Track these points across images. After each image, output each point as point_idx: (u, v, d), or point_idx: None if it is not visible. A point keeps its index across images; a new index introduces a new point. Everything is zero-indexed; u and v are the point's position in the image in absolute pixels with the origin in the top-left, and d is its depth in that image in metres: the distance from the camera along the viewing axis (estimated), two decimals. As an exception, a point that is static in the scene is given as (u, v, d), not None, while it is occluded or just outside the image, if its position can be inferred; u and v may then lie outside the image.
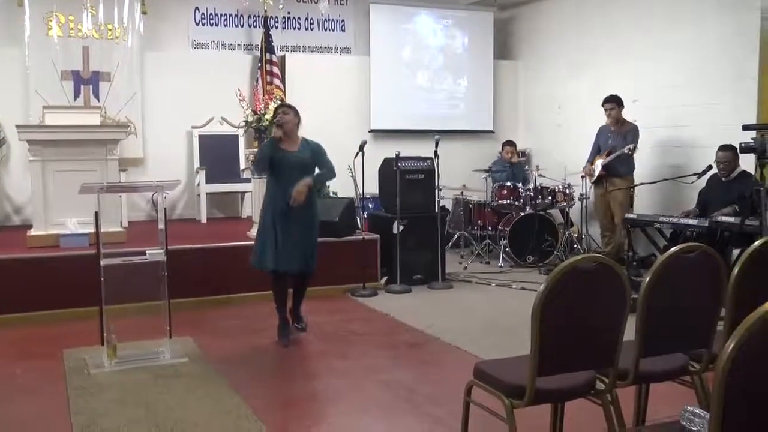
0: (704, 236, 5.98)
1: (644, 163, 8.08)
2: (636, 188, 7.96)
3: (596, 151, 8.17)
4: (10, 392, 4.40)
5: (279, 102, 5.72)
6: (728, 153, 6.75)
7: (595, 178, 8.04)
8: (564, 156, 9.27)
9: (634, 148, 7.60)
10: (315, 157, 5.42)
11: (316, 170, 5.45)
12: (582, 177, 8.21)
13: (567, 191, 8.58)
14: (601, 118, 8.17)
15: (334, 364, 4.97)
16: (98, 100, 8.64)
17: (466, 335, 5.52)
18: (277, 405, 4.22)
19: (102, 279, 4.74)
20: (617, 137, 7.90)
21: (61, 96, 8.41)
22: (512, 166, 9.48)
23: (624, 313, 2.85)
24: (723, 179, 6.85)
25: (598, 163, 7.98)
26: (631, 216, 6.93)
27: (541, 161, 9.52)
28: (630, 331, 2.91)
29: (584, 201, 8.44)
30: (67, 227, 6.54)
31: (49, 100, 8.15)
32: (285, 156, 5.31)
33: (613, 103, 7.91)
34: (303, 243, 5.33)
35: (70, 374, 4.65)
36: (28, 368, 4.83)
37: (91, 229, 5.57)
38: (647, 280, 2.90)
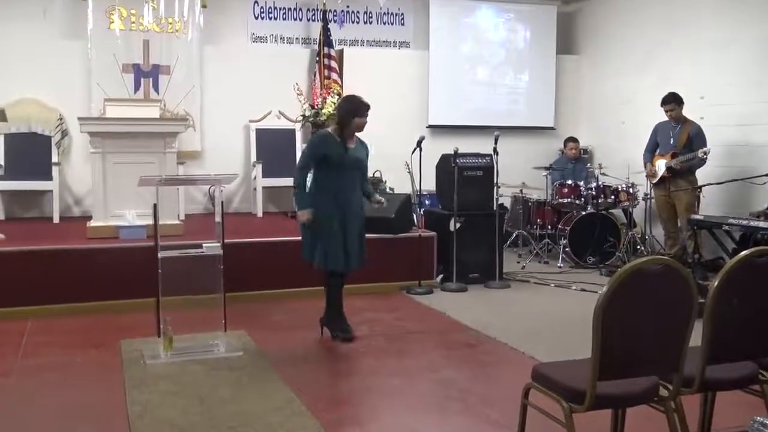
0: (776, 239, 5.80)
1: (710, 162, 7.83)
2: (702, 189, 7.73)
3: (652, 149, 7.96)
4: (69, 380, 4.53)
5: (355, 95, 5.52)
6: None
7: (657, 179, 7.84)
8: (628, 154, 9.09)
9: (708, 151, 7.36)
10: (366, 160, 5.47)
11: None
12: (647, 176, 8.03)
13: (630, 190, 8.43)
14: (664, 115, 7.98)
15: (387, 361, 4.98)
16: (158, 93, 8.81)
17: (523, 336, 5.47)
18: (330, 401, 4.24)
19: (159, 271, 4.84)
20: (679, 137, 7.68)
21: (122, 89, 8.61)
22: (574, 163, 9.36)
23: (690, 317, 2.78)
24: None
25: (661, 164, 7.78)
26: (697, 217, 6.76)
27: (604, 159, 9.35)
28: (696, 336, 2.84)
29: (648, 201, 8.28)
30: (126, 219, 6.69)
31: (110, 92, 8.36)
32: (343, 154, 5.25)
33: (673, 103, 7.64)
34: (360, 239, 5.36)
35: (127, 364, 4.75)
36: (86, 357, 4.96)
37: (149, 221, 5.69)
38: (715, 284, 2.83)
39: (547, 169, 9.00)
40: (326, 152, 5.23)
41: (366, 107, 5.33)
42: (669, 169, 7.67)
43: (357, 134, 5.42)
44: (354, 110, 5.29)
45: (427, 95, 10.06)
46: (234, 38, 9.50)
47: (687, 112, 7.77)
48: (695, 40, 8.61)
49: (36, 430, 3.79)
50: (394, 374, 4.70)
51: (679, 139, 7.68)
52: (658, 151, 7.91)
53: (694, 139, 7.58)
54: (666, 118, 7.81)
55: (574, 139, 9.62)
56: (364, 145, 5.47)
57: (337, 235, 5.20)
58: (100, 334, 5.51)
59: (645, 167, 8.00)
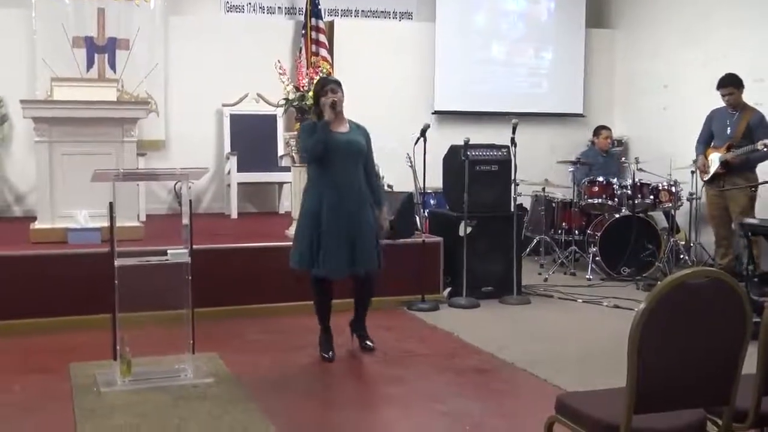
0: None
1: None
2: (759, 188, 7.70)
3: (707, 140, 7.97)
4: (8, 412, 4.50)
5: (324, 75, 5.68)
6: None
7: (710, 175, 7.84)
8: (670, 146, 9.12)
9: None
10: (367, 146, 5.51)
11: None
12: (692, 172, 8.05)
13: (673, 189, 8.44)
14: (716, 100, 7.99)
15: (385, 390, 4.99)
16: (114, 72, 8.83)
17: (545, 361, 5.48)
18: (318, 437, 4.25)
19: (116, 282, 4.83)
20: (737, 126, 7.68)
21: (72, 66, 8.63)
22: (606, 157, 9.38)
23: (743, 340, 2.79)
24: None
25: (715, 158, 7.77)
26: (751, 221, 6.77)
27: (642, 152, 9.39)
28: (750, 362, 2.85)
29: (694, 201, 8.29)
30: (77, 220, 6.69)
31: (58, 70, 8.37)
32: (335, 139, 5.31)
33: (731, 87, 7.62)
34: (360, 239, 5.32)
35: (77, 393, 4.75)
36: (29, 384, 4.95)
37: (104, 223, 5.69)
38: (773, 300, 2.85)
39: (573, 163, 9.01)
40: (325, 137, 5.29)
41: (327, 83, 5.48)
42: (723, 163, 7.66)
43: (354, 119, 5.51)
44: (317, 91, 5.48)
45: (432, 76, 10.08)
46: (205, 7, 9.52)
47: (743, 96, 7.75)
48: (751, 9, 8.63)
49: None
50: (393, 405, 4.71)
51: (737, 129, 7.66)
52: (713, 143, 7.90)
53: (755, 128, 7.56)
54: (722, 104, 7.79)
55: (606, 128, 9.64)
56: (361, 129, 5.53)
57: (323, 236, 5.26)
58: (46, 356, 5.50)
59: (696, 160, 7.99)
